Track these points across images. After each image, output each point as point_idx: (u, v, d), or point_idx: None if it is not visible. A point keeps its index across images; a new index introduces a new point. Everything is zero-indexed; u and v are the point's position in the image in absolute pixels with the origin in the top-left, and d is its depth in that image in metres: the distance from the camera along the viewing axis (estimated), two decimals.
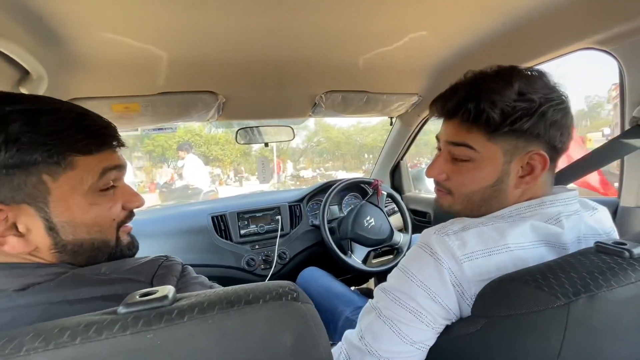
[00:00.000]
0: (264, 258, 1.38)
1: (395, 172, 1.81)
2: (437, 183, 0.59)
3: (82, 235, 0.42)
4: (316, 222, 1.49)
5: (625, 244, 0.42)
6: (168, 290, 0.30)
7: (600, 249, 0.43)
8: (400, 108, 1.33)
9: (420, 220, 1.64)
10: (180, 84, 0.94)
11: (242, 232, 1.41)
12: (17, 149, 0.37)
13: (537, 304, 0.38)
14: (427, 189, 1.81)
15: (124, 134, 0.97)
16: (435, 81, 1.14)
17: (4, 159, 0.36)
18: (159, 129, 1.20)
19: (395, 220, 1.59)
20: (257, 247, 1.41)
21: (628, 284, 0.37)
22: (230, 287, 0.33)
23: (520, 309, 0.39)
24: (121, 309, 0.28)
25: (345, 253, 1.36)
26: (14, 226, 0.39)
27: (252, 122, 1.40)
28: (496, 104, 0.48)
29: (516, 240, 0.47)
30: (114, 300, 0.39)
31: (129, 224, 0.49)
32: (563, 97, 0.51)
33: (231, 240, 1.38)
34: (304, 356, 0.31)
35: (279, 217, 1.45)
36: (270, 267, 1.36)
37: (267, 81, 1.03)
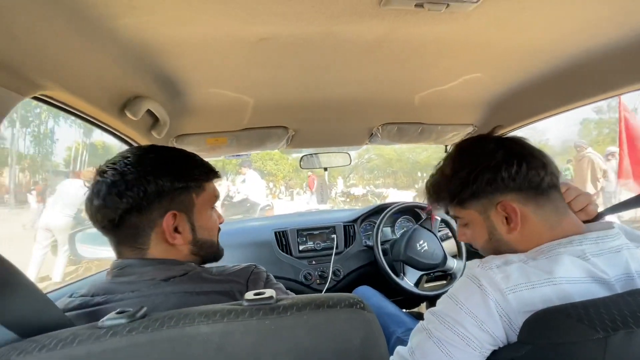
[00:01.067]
0: (319, 273, 1.49)
1: None
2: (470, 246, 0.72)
3: (206, 236, 0.62)
4: (369, 243, 1.56)
5: None
6: (272, 292, 0.42)
7: None
8: (455, 137, 1.38)
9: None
10: (260, 121, 1.13)
11: (301, 247, 1.55)
12: (181, 177, 0.58)
13: (577, 336, 0.42)
14: None
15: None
16: (490, 113, 1.18)
17: (175, 184, 0.57)
18: (237, 155, 1.42)
19: (450, 245, 1.60)
20: (313, 262, 1.53)
21: None
22: (312, 294, 0.44)
23: (562, 338, 0.44)
24: (245, 303, 0.41)
25: (397, 275, 1.41)
26: (177, 228, 0.58)
27: (313, 149, 1.56)
28: (442, 192, 0.66)
29: (560, 274, 0.50)
30: (225, 295, 0.54)
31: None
32: (492, 154, 0.60)
33: (291, 254, 1.52)
34: (368, 354, 0.41)
35: (334, 235, 1.56)
36: (325, 283, 1.47)
37: (330, 116, 1.18)
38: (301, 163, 1.52)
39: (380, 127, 1.27)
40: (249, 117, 1.07)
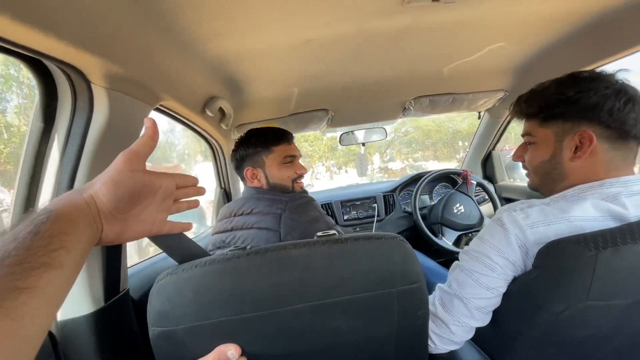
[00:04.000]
0: None
1: (487, 162, 1.86)
2: (522, 167, 0.76)
3: (277, 181, 0.93)
4: (408, 209, 1.69)
5: None
6: (334, 232, 0.60)
7: None
8: (486, 104, 1.43)
9: None
10: (304, 106, 1.30)
11: (345, 217, 1.72)
12: (252, 145, 0.91)
13: (576, 256, 0.53)
14: (522, 177, 1.81)
15: None
16: (520, 78, 1.23)
17: (250, 151, 0.92)
18: None
19: (487, 208, 1.68)
20: (358, 229, 1.70)
21: None
22: (363, 232, 0.61)
23: (564, 261, 0.54)
24: (317, 238, 0.58)
25: (436, 235, 1.53)
26: (256, 176, 0.93)
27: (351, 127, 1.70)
28: (535, 102, 0.66)
29: (576, 214, 0.56)
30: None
31: (302, 182, 0.99)
32: (607, 86, 0.59)
33: (337, 224, 1.70)
34: (407, 269, 0.56)
35: (375, 204, 1.72)
36: None
37: (365, 95, 1.30)
38: (341, 140, 1.68)
39: (412, 101, 1.37)
40: (294, 104, 1.24)
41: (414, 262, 0.58)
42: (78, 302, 0.60)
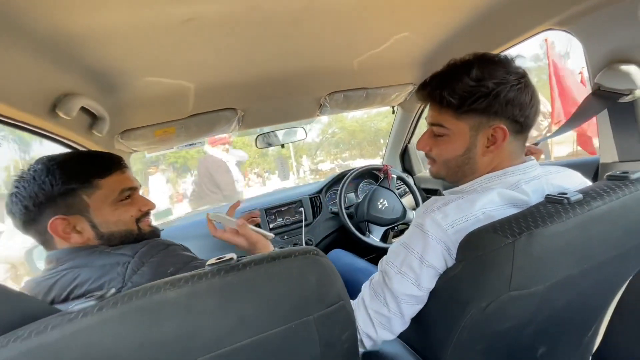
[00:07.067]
0: (292, 246, 1.55)
1: (405, 156, 1.93)
2: (425, 154, 0.73)
3: (112, 229, 0.64)
4: (335, 210, 1.65)
5: (566, 194, 0.54)
6: (233, 255, 0.47)
7: (549, 199, 0.54)
8: (398, 98, 1.46)
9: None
10: (205, 105, 1.12)
11: (271, 225, 1.59)
12: (58, 182, 0.59)
13: (493, 244, 0.51)
14: None
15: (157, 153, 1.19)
16: (425, 70, 1.26)
17: (56, 190, 0.59)
18: (190, 145, 1.39)
19: (409, 200, 1.72)
20: (285, 237, 1.59)
21: (560, 222, 0.50)
22: (271, 251, 0.49)
23: (484, 250, 0.53)
24: (207, 267, 0.44)
25: (363, 234, 1.51)
26: (74, 228, 0.61)
27: (267, 128, 1.57)
28: (456, 91, 0.61)
29: (485, 206, 0.59)
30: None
31: (149, 219, 0.71)
32: (519, 79, 0.59)
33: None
34: (325, 291, 0.47)
35: (301, 209, 1.62)
36: None
37: (277, 92, 1.19)
38: (257, 143, 1.53)
39: (327, 97, 1.31)
40: (193, 103, 1.06)
41: (333, 280, 0.49)
42: None
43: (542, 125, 3.97)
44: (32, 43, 0.57)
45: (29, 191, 0.58)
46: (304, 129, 1.61)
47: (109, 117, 0.88)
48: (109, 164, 0.65)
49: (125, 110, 0.96)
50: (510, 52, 1.00)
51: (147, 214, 0.70)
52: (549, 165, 0.70)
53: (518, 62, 0.64)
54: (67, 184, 0.59)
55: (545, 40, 3.48)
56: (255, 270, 0.44)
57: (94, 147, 0.95)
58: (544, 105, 3.68)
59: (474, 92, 0.59)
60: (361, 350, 0.69)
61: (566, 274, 0.53)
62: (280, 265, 0.45)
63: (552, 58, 3.41)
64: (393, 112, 1.70)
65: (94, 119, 0.86)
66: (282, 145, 1.58)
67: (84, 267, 0.57)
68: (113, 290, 0.42)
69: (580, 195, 0.52)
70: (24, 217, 0.59)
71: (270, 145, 1.56)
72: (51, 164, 0.60)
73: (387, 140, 1.98)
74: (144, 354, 0.39)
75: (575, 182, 0.69)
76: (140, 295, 0.40)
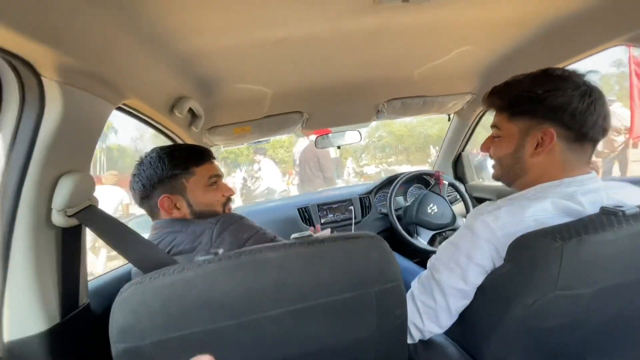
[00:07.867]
0: None
1: (458, 163, 1.93)
2: (489, 156, 0.78)
3: (204, 208, 0.78)
4: (384, 211, 1.71)
5: (623, 207, 0.56)
6: (310, 232, 0.58)
7: (604, 211, 0.56)
8: (455, 106, 1.49)
9: None
10: (278, 108, 1.28)
11: (323, 220, 1.71)
12: (165, 167, 0.75)
13: (543, 247, 0.55)
14: (490, 177, 1.88)
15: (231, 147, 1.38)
16: (486, 81, 1.29)
17: (165, 174, 0.75)
18: (257, 142, 1.58)
19: (459, 207, 1.73)
20: (335, 232, 1.69)
21: (611, 231, 0.53)
22: (341, 232, 0.60)
23: (533, 251, 0.57)
24: (293, 239, 0.56)
25: (411, 236, 1.56)
26: (175, 205, 0.76)
27: None
28: (509, 96, 0.68)
29: (537, 213, 0.60)
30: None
31: (230, 205, 0.84)
32: (574, 88, 0.62)
33: (314, 227, 1.69)
34: (385, 269, 0.56)
35: (351, 207, 1.72)
36: None
37: (339, 98, 1.31)
38: (317, 143, 1.67)
39: (385, 104, 1.39)
40: (268, 106, 1.22)
41: (392, 261, 0.57)
42: (27, 319, 0.54)
43: (615, 142, 3.57)
44: (170, 59, 0.75)
45: (147, 173, 0.75)
46: (359, 132, 1.71)
47: (204, 117, 1.07)
48: (202, 155, 0.80)
49: (214, 111, 1.14)
50: (585, 65, 0.99)
51: (229, 199, 0.85)
52: (613, 181, 0.70)
53: (591, 77, 0.65)
54: (173, 169, 0.75)
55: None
56: (332, 245, 0.54)
57: (189, 141, 1.16)
58: (620, 119, 3.32)
59: (523, 96, 0.65)
60: (409, 341, 0.73)
61: (615, 282, 0.55)
62: (351, 243, 0.55)
63: (635, 65, 3.07)
64: (449, 120, 1.73)
65: (193, 117, 1.05)
66: (338, 147, 1.70)
67: (180, 232, 0.72)
68: (222, 250, 0.56)
69: (638, 209, 0.53)
70: (142, 194, 0.77)
71: (327, 146, 1.69)
72: (162, 153, 0.76)
73: (438, 147, 1.99)
74: (250, 295, 0.51)
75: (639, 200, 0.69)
76: (248, 253, 0.53)
